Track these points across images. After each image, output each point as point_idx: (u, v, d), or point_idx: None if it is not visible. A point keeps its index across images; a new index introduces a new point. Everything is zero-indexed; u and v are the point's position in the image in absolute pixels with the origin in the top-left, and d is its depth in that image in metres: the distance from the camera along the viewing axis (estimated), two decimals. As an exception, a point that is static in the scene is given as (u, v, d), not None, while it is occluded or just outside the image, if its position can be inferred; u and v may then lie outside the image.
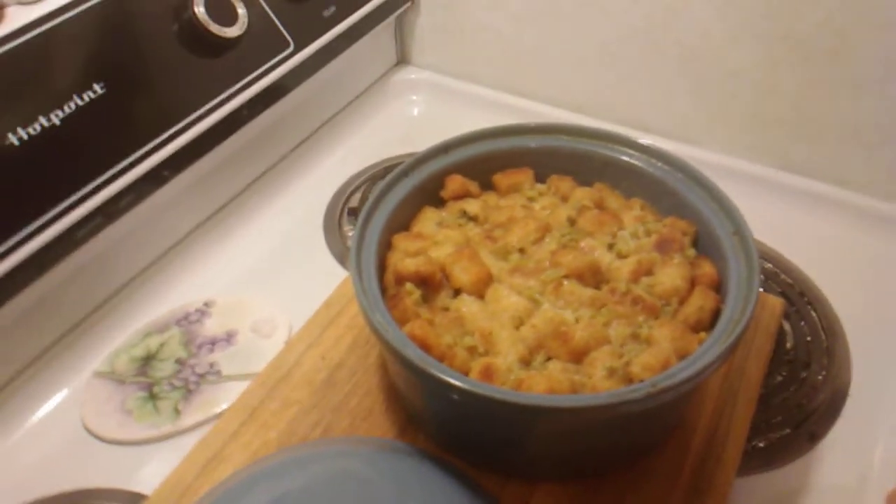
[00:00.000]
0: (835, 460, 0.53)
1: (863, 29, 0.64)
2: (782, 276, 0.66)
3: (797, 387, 0.58)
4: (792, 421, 0.56)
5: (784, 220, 0.71)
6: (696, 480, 0.48)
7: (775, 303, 0.59)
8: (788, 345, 0.61)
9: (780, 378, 0.59)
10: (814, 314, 0.63)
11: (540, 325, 0.47)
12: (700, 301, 0.48)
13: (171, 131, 0.66)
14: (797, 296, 0.64)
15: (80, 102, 0.62)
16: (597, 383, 0.44)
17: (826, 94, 0.69)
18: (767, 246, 0.68)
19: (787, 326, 0.62)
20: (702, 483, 0.48)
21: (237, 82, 0.71)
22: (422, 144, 0.83)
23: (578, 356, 0.46)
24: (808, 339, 0.61)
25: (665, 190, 0.54)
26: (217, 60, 0.71)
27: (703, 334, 0.46)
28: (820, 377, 0.58)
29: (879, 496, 0.50)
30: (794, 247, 0.68)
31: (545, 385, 0.43)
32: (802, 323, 0.62)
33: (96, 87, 0.64)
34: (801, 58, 0.68)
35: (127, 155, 0.63)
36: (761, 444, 0.54)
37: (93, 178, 0.60)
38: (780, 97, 0.71)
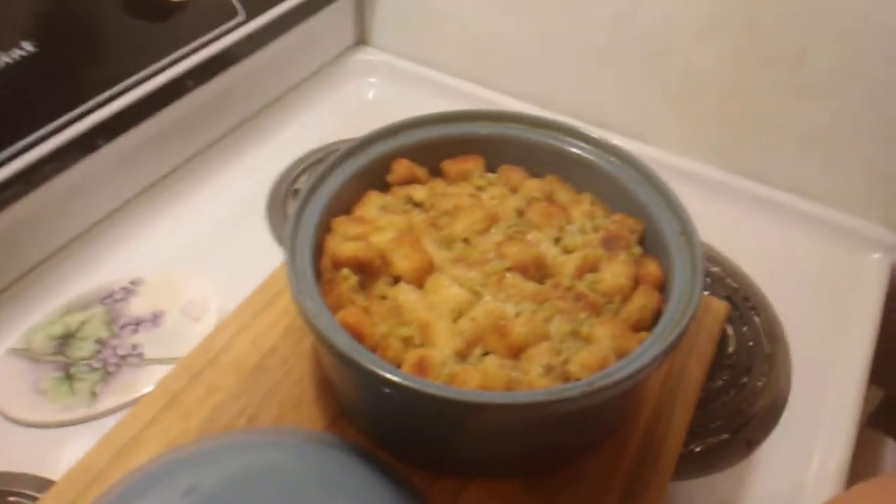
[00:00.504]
0: (771, 468, 0.53)
1: (824, 35, 0.64)
2: (728, 281, 0.66)
3: (737, 392, 0.57)
4: (730, 426, 0.55)
5: (735, 224, 0.71)
6: (630, 483, 0.47)
7: (719, 306, 0.58)
8: (730, 349, 0.61)
9: (720, 382, 0.58)
10: (757, 319, 0.62)
11: (479, 318, 0.45)
12: (643, 300, 0.47)
13: (105, 95, 0.63)
14: (742, 300, 0.64)
15: (8, 60, 0.59)
16: (533, 380, 0.42)
17: (786, 100, 0.68)
18: (716, 250, 0.68)
19: (730, 331, 0.62)
20: (636, 486, 0.47)
21: (180, 48, 0.67)
22: (374, 127, 0.81)
23: (516, 352, 0.44)
24: (751, 344, 0.61)
25: (616, 186, 0.53)
26: (160, 25, 0.68)
27: (643, 334, 0.45)
28: (760, 383, 0.58)
29: (812, 506, 0.50)
30: (743, 252, 0.68)
31: (479, 380, 0.41)
32: (745, 328, 0.62)
33: (26, 45, 0.60)
34: (764, 59, 0.67)
35: (54, 118, 0.60)
36: (698, 449, 0.53)
37: (14, 141, 0.56)
38: (740, 99, 0.71)
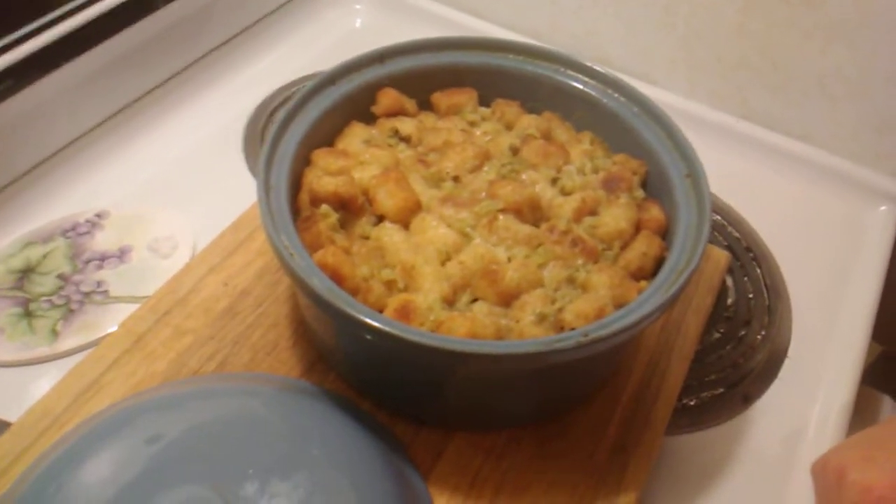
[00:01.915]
0: (768, 423, 0.51)
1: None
2: (730, 230, 0.63)
3: (734, 345, 0.55)
4: (726, 381, 0.53)
5: (739, 171, 0.67)
6: (622, 436, 0.45)
7: (720, 256, 0.56)
8: (729, 301, 0.58)
9: (717, 335, 0.56)
10: (758, 271, 0.60)
11: (468, 261, 0.42)
12: (644, 247, 0.44)
13: (66, 9, 0.57)
14: (743, 251, 0.61)
15: (-47, -34, 0.53)
16: (524, 329, 0.40)
17: (794, 40, 0.64)
18: (718, 197, 0.64)
19: (729, 282, 0.59)
20: (628, 439, 0.45)
21: (149, -39, 0.62)
22: (360, 58, 0.76)
23: (508, 299, 0.41)
24: (750, 296, 0.58)
25: (619, 124, 0.50)
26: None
27: (643, 283, 0.43)
28: (759, 337, 0.56)
29: (809, 466, 0.48)
30: (746, 200, 0.65)
31: (467, 328, 0.38)
32: (746, 279, 0.59)
33: (-27, -51, 0.54)
34: (774, -4, 0.63)
35: (8, 31, 0.54)
36: (692, 403, 0.51)
37: (-39, 57, 0.51)
38: (747, 39, 0.66)
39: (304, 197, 0.45)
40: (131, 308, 0.52)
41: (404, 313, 0.39)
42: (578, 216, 0.45)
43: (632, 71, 0.74)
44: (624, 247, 0.44)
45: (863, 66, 0.62)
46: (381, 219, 0.44)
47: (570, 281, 0.42)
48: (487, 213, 0.44)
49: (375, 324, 0.36)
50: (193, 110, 0.69)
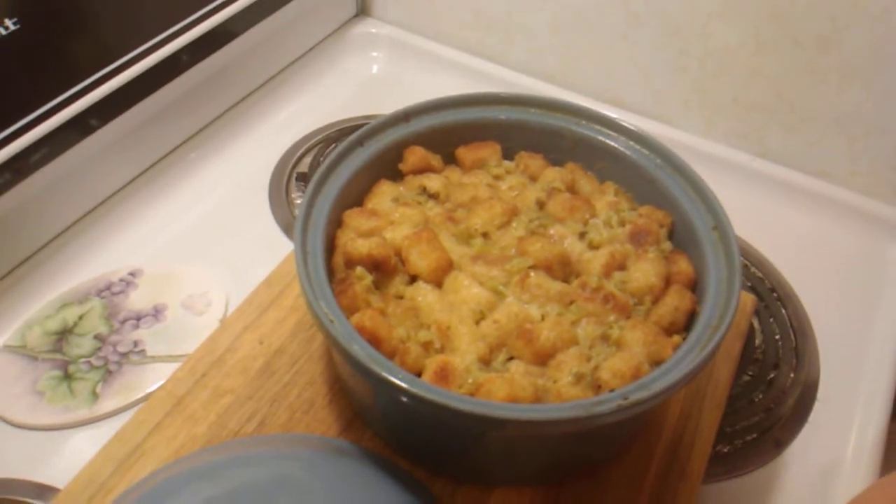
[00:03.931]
0: (800, 469, 0.51)
1: (855, 16, 0.61)
2: (752, 270, 0.63)
3: (765, 389, 0.55)
4: (759, 426, 0.53)
5: (758, 210, 0.68)
6: (659, 490, 0.45)
7: (746, 299, 0.56)
8: (756, 342, 0.59)
9: (747, 377, 0.56)
10: (784, 312, 0.60)
11: (503, 320, 0.43)
12: (675, 301, 0.44)
13: (98, 76, 0.59)
14: (767, 291, 0.61)
15: (-10, 39, 0.55)
16: (562, 389, 0.40)
17: (811, 82, 0.65)
18: (739, 237, 0.65)
19: (755, 323, 0.59)
20: (665, 494, 0.45)
21: (176, 24, 0.63)
22: (380, 105, 0.77)
23: (543, 358, 0.42)
24: (777, 337, 0.59)
25: (642, 175, 0.50)
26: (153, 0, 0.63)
27: (676, 338, 0.43)
28: (789, 380, 0.56)
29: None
30: (766, 239, 0.65)
31: (506, 392, 0.39)
32: (772, 320, 0.60)
33: (8, 23, 0.56)
34: (790, 41, 0.64)
35: (44, 102, 0.56)
36: (725, 450, 0.51)
37: (1, 128, 0.53)
38: (763, 81, 0.67)
39: (339, 259, 0.46)
40: (169, 367, 0.53)
41: (443, 376, 0.40)
42: (608, 271, 0.46)
43: (647, 112, 0.75)
44: (655, 301, 0.45)
45: (879, 104, 0.63)
46: (414, 278, 0.45)
47: (604, 338, 0.43)
48: (519, 270, 0.45)
49: (417, 391, 0.37)
50: (219, 164, 0.70)
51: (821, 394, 0.55)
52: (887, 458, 0.53)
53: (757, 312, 0.60)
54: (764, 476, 0.50)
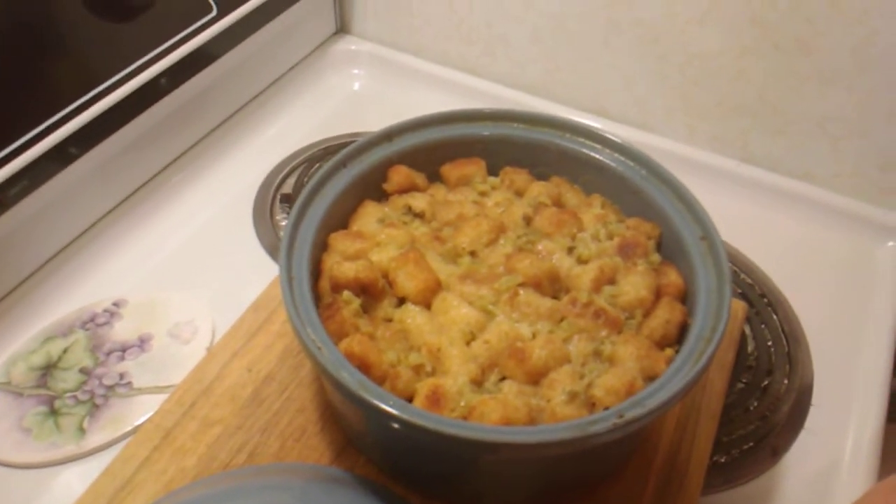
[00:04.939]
0: (798, 476, 0.51)
1: (834, 20, 0.61)
2: (742, 276, 0.63)
3: (759, 396, 0.55)
4: (755, 434, 0.53)
5: (744, 215, 0.68)
6: (657, 506, 0.44)
7: (737, 307, 0.56)
8: (749, 349, 0.58)
9: (741, 385, 0.56)
10: (775, 317, 0.60)
11: (493, 340, 0.42)
12: (666, 314, 0.44)
13: (76, 104, 0.59)
14: (757, 297, 0.61)
15: (-36, 71, 0.54)
16: (556, 409, 0.40)
17: (793, 85, 0.65)
18: (726, 243, 0.65)
19: (747, 330, 0.59)
20: (664, 509, 0.44)
21: (153, 49, 0.63)
22: (363, 122, 0.77)
23: (536, 377, 0.41)
24: (769, 343, 0.58)
25: (628, 187, 0.50)
26: (129, 25, 0.63)
27: (669, 351, 0.43)
28: (783, 386, 0.56)
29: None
30: (754, 244, 0.65)
31: (500, 413, 0.38)
32: (763, 326, 0.59)
33: (-18, 53, 0.55)
34: (770, 45, 0.64)
35: (22, 133, 0.55)
36: (722, 460, 0.51)
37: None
38: (744, 85, 0.67)
39: (325, 284, 0.45)
40: (156, 399, 0.52)
41: (435, 400, 0.40)
42: (597, 286, 0.45)
43: (630, 120, 0.75)
44: (646, 315, 0.44)
45: (862, 106, 0.64)
46: (402, 300, 0.45)
47: (597, 354, 0.42)
48: (507, 288, 0.44)
49: (409, 418, 0.36)
50: (201, 188, 0.70)
51: (815, 399, 0.55)
52: (885, 461, 0.53)
53: (748, 319, 0.60)
54: (762, 485, 0.50)
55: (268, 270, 0.61)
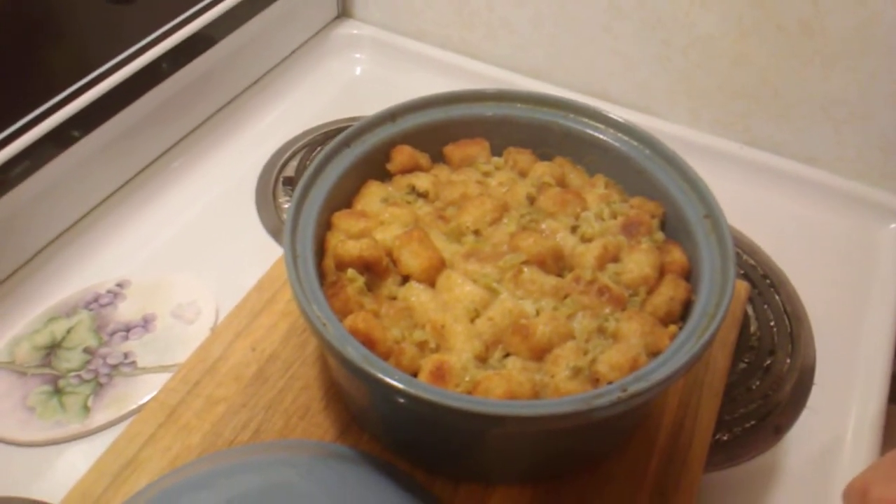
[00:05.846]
0: (801, 454, 0.51)
1: (837, 0, 0.61)
2: (745, 258, 0.63)
3: (762, 375, 0.55)
4: (758, 413, 0.53)
5: (747, 197, 0.68)
6: (661, 481, 0.45)
7: (740, 287, 0.56)
8: (752, 329, 0.59)
9: (743, 365, 0.56)
10: (777, 298, 0.60)
11: (497, 317, 0.42)
12: (670, 291, 0.44)
13: (77, 86, 0.59)
14: (760, 278, 0.61)
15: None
16: (560, 384, 0.40)
17: (796, 67, 0.65)
18: (730, 226, 0.65)
19: (749, 310, 0.59)
20: (667, 485, 0.45)
21: (153, 32, 0.63)
22: (365, 107, 0.77)
23: (540, 353, 0.41)
24: (772, 323, 0.59)
25: (631, 167, 0.50)
26: (130, 7, 0.63)
27: (673, 327, 0.43)
28: (785, 366, 0.56)
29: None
30: (757, 226, 0.65)
31: (504, 388, 0.39)
32: (766, 307, 0.60)
33: (-17, 34, 0.55)
34: (773, 26, 0.64)
35: (23, 114, 0.55)
36: (725, 438, 0.51)
37: (-20, 141, 0.52)
38: (747, 68, 0.67)
39: (329, 261, 0.46)
40: (160, 378, 0.52)
41: (440, 375, 0.40)
42: (601, 263, 0.45)
43: (633, 104, 0.75)
44: (650, 292, 0.44)
45: (864, 88, 0.63)
46: (406, 278, 0.45)
47: (601, 331, 0.42)
48: (511, 266, 0.44)
49: (414, 391, 0.37)
50: (204, 171, 0.70)
51: (818, 378, 0.55)
52: (887, 440, 0.53)
53: (751, 300, 0.60)
54: (764, 462, 0.50)
55: (271, 252, 0.61)
